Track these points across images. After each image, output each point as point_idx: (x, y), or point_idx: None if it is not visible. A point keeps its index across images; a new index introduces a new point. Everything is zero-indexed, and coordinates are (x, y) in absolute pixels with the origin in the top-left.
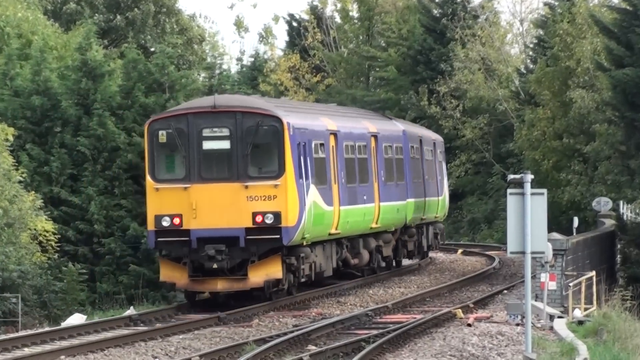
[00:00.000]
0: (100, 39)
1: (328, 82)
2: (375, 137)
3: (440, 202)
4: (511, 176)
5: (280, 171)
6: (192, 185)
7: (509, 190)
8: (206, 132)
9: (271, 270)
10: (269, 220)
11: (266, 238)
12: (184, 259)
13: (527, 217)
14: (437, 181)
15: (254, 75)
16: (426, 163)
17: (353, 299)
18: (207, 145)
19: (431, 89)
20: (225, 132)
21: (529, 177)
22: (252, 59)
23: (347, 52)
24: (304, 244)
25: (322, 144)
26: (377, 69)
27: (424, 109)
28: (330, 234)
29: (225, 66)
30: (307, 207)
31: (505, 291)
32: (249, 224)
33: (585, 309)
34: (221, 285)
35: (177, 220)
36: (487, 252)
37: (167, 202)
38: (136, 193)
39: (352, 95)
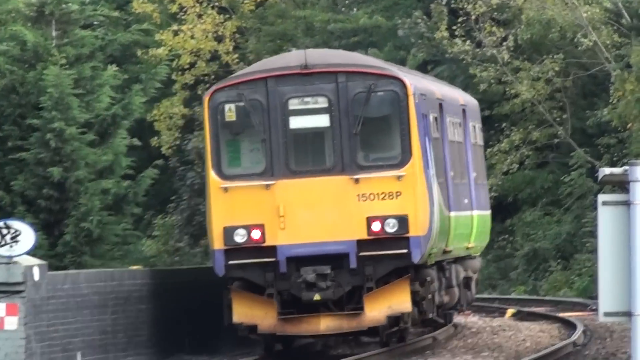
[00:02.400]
0: None
1: None
2: (464, 111)
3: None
4: (606, 170)
5: (405, 157)
6: (277, 181)
7: (601, 198)
8: (294, 104)
9: (396, 301)
10: (391, 228)
11: (388, 254)
12: (269, 290)
13: (636, 247)
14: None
15: None
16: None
17: None
18: (297, 122)
19: (454, 9)
20: (323, 102)
21: None
22: None
23: None
24: (429, 263)
25: (436, 119)
26: None
27: (442, 46)
28: (444, 252)
29: None
30: (435, 210)
31: None
32: (363, 235)
33: None
34: (326, 324)
35: (257, 234)
36: (561, 314)
37: (241, 207)
38: None
39: (308, 20)
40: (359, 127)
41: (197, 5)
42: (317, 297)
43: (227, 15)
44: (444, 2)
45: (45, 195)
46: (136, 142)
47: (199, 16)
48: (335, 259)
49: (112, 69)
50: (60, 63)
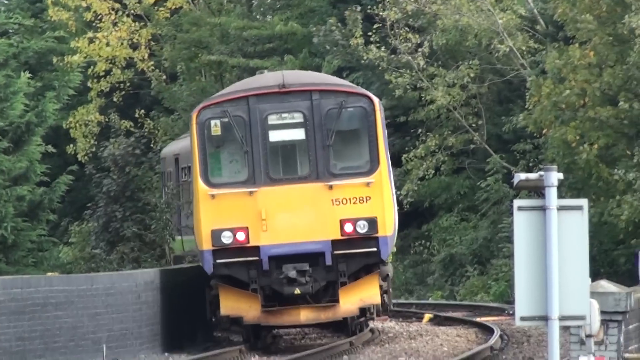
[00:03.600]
0: None
1: (175, 4)
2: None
3: None
4: (522, 176)
5: (373, 165)
6: (259, 188)
7: (517, 203)
8: (273, 119)
9: (367, 294)
10: (362, 229)
11: (359, 252)
12: (252, 285)
13: (552, 252)
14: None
15: None
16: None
17: None
18: (275, 136)
19: (369, 15)
20: (299, 117)
21: (555, 176)
22: None
23: None
24: (388, 260)
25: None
26: None
27: (357, 52)
28: None
29: None
30: (395, 212)
31: None
32: (337, 236)
33: None
34: (305, 315)
35: (241, 235)
36: (478, 319)
37: (227, 212)
38: None
39: (223, 27)
40: (331, 139)
41: (112, 13)
42: (297, 291)
43: (142, 23)
44: (358, 9)
45: None
46: (51, 149)
47: (114, 24)
48: (312, 257)
49: (26, 76)
50: None
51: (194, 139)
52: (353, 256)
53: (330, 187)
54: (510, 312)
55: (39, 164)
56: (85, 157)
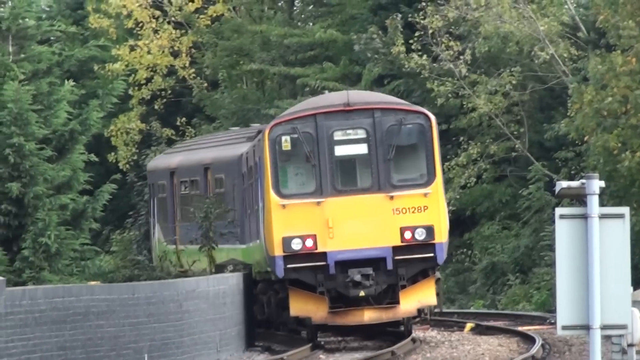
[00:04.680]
0: None
1: (216, 12)
2: None
3: None
4: (563, 184)
5: (430, 177)
6: (326, 199)
7: (558, 211)
8: (338, 135)
9: (424, 296)
10: (420, 236)
11: (418, 257)
12: (320, 288)
13: (593, 260)
14: None
15: (78, 2)
16: None
17: None
18: (341, 150)
19: (410, 22)
20: (362, 133)
21: (597, 184)
22: None
23: None
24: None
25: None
26: None
27: (398, 60)
28: None
29: None
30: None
31: None
32: (397, 242)
33: None
34: (369, 315)
35: (310, 242)
36: (519, 328)
37: (296, 220)
38: None
39: (264, 34)
40: (392, 153)
41: (153, 20)
42: (362, 293)
43: (183, 31)
44: (399, 17)
45: (4, 211)
46: (93, 157)
47: (155, 32)
48: (374, 262)
49: (69, 84)
50: (18, 79)
51: (265, 154)
52: (412, 261)
53: (391, 197)
54: (552, 321)
55: (82, 173)
56: (127, 165)
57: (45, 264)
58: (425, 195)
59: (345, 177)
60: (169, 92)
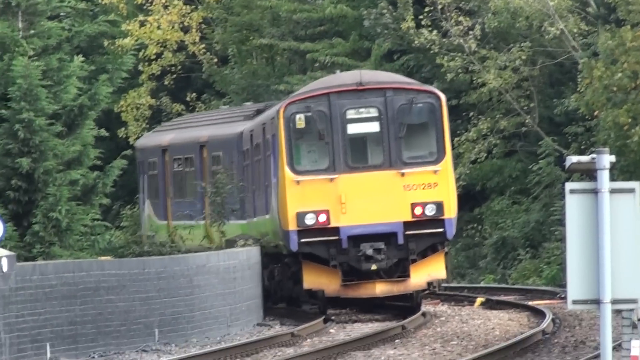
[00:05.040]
0: None
1: None
2: None
3: None
4: (573, 159)
5: (440, 155)
6: (339, 175)
7: (569, 186)
8: (351, 114)
9: (434, 270)
10: (430, 211)
11: (428, 232)
12: (332, 262)
13: (604, 235)
14: None
15: None
16: None
17: None
18: (353, 128)
19: None
20: (374, 112)
21: (607, 158)
22: None
23: None
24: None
25: None
26: None
27: (408, 36)
28: None
29: None
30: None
31: None
32: (408, 218)
33: None
34: (380, 288)
35: (323, 217)
36: (530, 303)
37: (310, 196)
38: None
39: (274, 10)
40: (403, 131)
41: None
42: (374, 267)
43: (193, 6)
44: None
45: (14, 186)
46: (104, 132)
47: (165, 7)
48: (386, 237)
49: (79, 60)
50: (28, 54)
51: (280, 131)
52: (422, 236)
53: (402, 174)
54: (562, 295)
55: (92, 148)
56: (137, 141)
57: (56, 239)
58: (435, 172)
59: (357, 155)
60: (179, 67)
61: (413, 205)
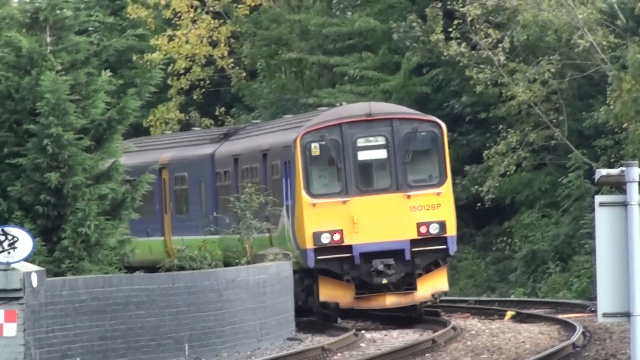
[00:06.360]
0: None
1: (254, 1)
2: None
3: None
4: (603, 172)
5: (442, 178)
6: (351, 198)
7: (598, 199)
8: (361, 142)
9: (438, 283)
10: (434, 230)
11: (432, 249)
12: (346, 277)
13: (634, 247)
14: None
15: None
16: None
17: None
18: (363, 155)
19: (449, 11)
20: (382, 140)
21: (637, 171)
22: None
23: None
24: None
25: None
26: None
27: (437, 49)
28: None
29: None
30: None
31: None
32: (414, 236)
33: None
34: (390, 300)
35: (337, 236)
36: (560, 316)
37: (325, 217)
38: None
39: (303, 24)
40: (408, 157)
41: (191, 10)
42: (384, 281)
43: (221, 20)
44: (439, 5)
45: (43, 201)
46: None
47: (194, 21)
48: (394, 254)
49: (107, 74)
50: (56, 69)
51: (297, 158)
52: (427, 252)
53: (408, 196)
54: (593, 309)
55: (121, 163)
56: None
57: (85, 254)
58: (438, 194)
59: (367, 179)
60: (208, 82)
61: (418, 225)
